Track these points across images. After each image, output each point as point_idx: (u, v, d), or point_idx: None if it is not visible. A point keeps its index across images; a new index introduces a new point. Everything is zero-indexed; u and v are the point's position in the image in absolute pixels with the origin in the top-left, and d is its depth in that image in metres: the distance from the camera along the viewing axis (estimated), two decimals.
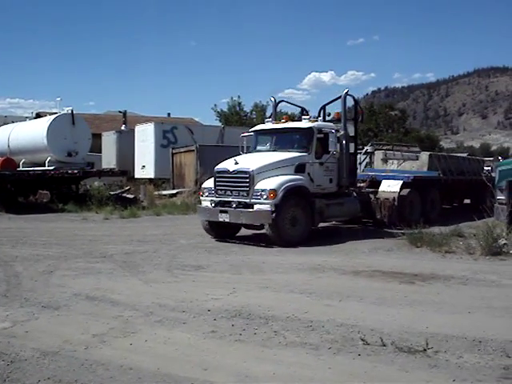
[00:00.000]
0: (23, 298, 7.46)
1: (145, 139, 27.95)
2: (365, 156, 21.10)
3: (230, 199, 13.14)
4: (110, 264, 10.09)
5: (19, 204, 22.11)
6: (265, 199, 12.53)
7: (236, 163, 13.34)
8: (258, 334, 5.88)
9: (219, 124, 49.05)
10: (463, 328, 6.01)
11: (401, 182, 16.80)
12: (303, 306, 7.02)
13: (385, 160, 20.33)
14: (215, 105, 58.88)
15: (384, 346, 5.41)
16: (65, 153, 24.00)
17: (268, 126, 15.64)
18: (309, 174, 13.62)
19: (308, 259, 10.60)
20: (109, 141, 31.12)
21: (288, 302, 7.26)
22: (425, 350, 5.27)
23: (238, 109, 58.56)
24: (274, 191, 12.52)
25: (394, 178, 17.25)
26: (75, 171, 23.18)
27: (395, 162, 20.20)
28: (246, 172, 12.99)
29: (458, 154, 29.28)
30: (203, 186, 14.53)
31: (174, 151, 26.31)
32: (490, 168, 32.51)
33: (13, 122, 32.12)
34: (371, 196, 16.38)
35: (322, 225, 14.64)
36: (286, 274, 9.29)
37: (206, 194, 13.90)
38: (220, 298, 7.38)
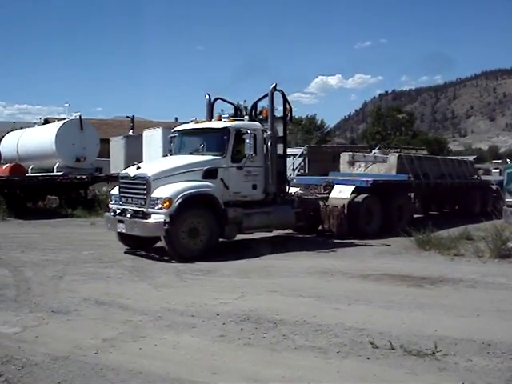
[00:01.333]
0: (33, 303, 7.50)
1: (152, 144, 27.94)
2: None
3: (129, 207, 11.85)
4: (118, 269, 10.13)
5: (28, 210, 22.20)
6: (159, 208, 11.21)
7: (138, 168, 12.12)
8: (266, 337, 5.89)
9: None
10: (472, 331, 6.00)
11: (352, 187, 15.11)
12: (312, 309, 7.03)
13: (351, 163, 18.82)
14: (222, 110, 58.65)
15: (393, 349, 5.42)
16: (73, 158, 24.05)
17: (188, 126, 14.05)
18: (222, 179, 12.16)
19: (316, 263, 10.60)
20: (117, 146, 31.15)
21: (297, 305, 7.28)
22: (434, 353, 5.27)
23: (245, 113, 58.61)
24: (168, 200, 11.17)
25: (349, 182, 15.64)
26: (84, 176, 23.24)
27: (362, 164, 18.69)
28: (143, 178, 11.69)
29: (454, 157, 28.14)
30: (111, 192, 13.17)
31: None
32: (498, 170, 32.24)
33: (21, 128, 32.27)
34: (321, 203, 14.79)
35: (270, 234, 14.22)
36: (294, 277, 9.30)
37: (113, 201, 12.58)
38: (229, 302, 7.40)
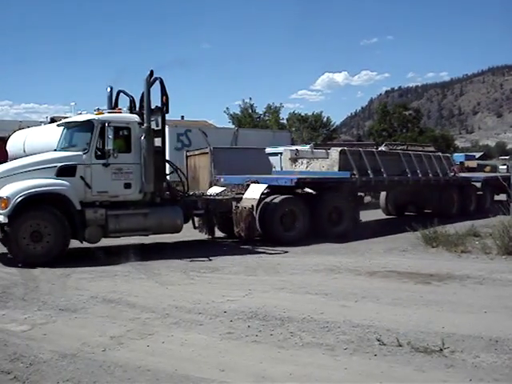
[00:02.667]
0: (41, 301, 7.54)
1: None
2: None
3: None
4: (126, 266, 10.16)
5: None
6: None
7: None
8: (274, 335, 5.90)
9: (232, 127, 49.03)
10: (479, 328, 5.99)
11: (264, 185, 13.64)
12: (319, 306, 7.03)
13: (293, 160, 17.23)
14: (227, 108, 58.82)
15: (400, 346, 5.41)
16: None
17: (65, 120, 13.05)
18: (82, 177, 11.11)
19: (323, 260, 10.60)
20: None
21: (304, 302, 7.28)
22: (441, 349, 5.27)
23: (250, 111, 58.58)
24: (5, 200, 10.29)
25: (270, 181, 14.34)
26: None
27: (305, 161, 16.93)
28: None
29: (425, 151, 24.68)
30: None
31: (188, 154, 26.29)
32: (506, 166, 31.89)
33: (28, 127, 32.37)
34: (234, 204, 13.23)
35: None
36: (301, 275, 9.31)
37: None
38: (236, 300, 7.42)
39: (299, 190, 14.61)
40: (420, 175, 17.90)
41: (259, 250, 12.08)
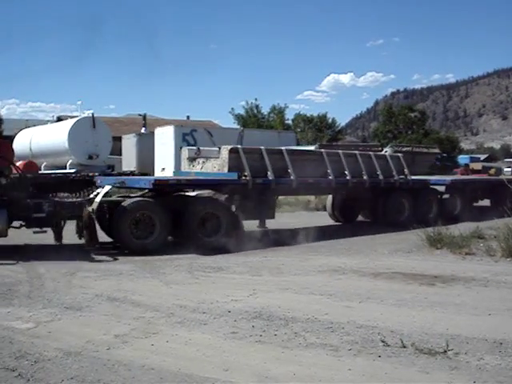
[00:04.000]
0: (46, 299, 7.55)
1: (164, 142, 28.03)
2: None
3: None
4: (130, 265, 10.18)
5: None
6: None
7: None
8: (278, 335, 5.91)
9: (237, 126, 49.12)
10: (484, 330, 5.98)
11: (107, 187, 12.69)
12: (323, 307, 7.03)
13: (191, 159, 15.53)
14: (232, 108, 59.06)
15: (404, 347, 5.41)
16: (86, 156, 24.22)
17: None
18: None
19: (327, 261, 10.60)
20: (129, 143, 31.29)
21: (308, 303, 7.29)
22: (445, 351, 5.26)
23: (255, 111, 58.67)
24: None
25: (136, 183, 13.33)
26: (96, 174, 23.38)
27: (201, 161, 15.18)
28: None
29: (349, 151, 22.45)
30: None
31: None
32: (510, 169, 31.64)
33: (34, 126, 32.50)
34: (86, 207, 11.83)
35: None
36: (305, 275, 9.31)
37: None
38: (240, 300, 7.42)
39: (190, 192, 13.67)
40: (348, 177, 15.61)
41: (263, 251, 12.07)
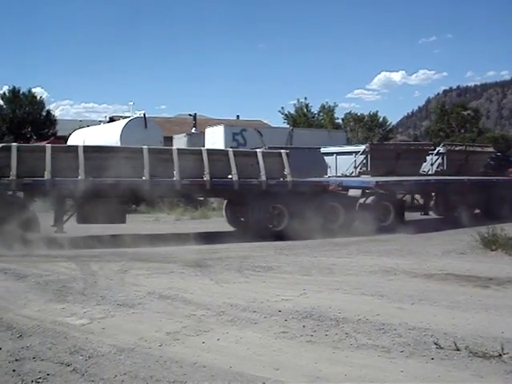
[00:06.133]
0: (99, 295, 7.70)
1: (215, 141, 28.29)
2: (437, 157, 20.56)
3: None
4: (181, 264, 10.28)
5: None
6: None
7: None
8: (329, 335, 5.87)
9: (287, 126, 49.09)
10: None
11: None
12: (374, 308, 6.96)
13: None
14: (282, 107, 58.91)
15: (458, 350, 5.30)
16: None
17: None
18: None
19: (379, 261, 10.49)
20: (179, 143, 31.64)
21: (359, 304, 7.22)
22: (500, 355, 5.13)
23: (305, 110, 58.47)
24: None
25: None
26: None
27: None
28: None
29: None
30: None
31: None
32: None
33: (88, 126, 33.19)
34: None
35: None
36: (356, 276, 9.24)
37: None
38: (290, 299, 7.41)
39: None
40: (176, 178, 13.63)
41: (314, 251, 12.03)
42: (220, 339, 5.73)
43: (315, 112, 59.15)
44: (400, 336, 5.81)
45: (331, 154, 20.10)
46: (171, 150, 14.61)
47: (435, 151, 20.55)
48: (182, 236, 13.88)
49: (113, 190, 13.09)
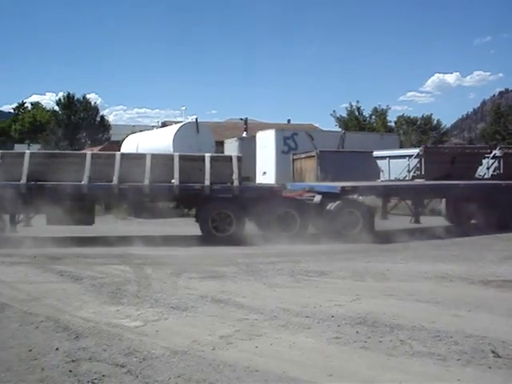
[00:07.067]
0: (153, 298, 7.79)
1: (266, 146, 28.29)
2: (493, 161, 20.04)
3: None
4: (233, 268, 10.32)
5: (147, 209, 22.97)
6: None
7: None
8: (383, 342, 5.80)
9: (338, 130, 48.79)
10: None
11: None
12: (430, 315, 6.83)
13: None
14: (334, 111, 58.66)
15: None
16: None
17: None
18: None
19: (433, 267, 10.29)
20: (231, 148, 31.82)
21: (414, 310, 7.10)
22: None
23: (357, 114, 58.04)
24: None
25: None
26: None
27: None
28: None
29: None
30: None
31: (294, 157, 26.44)
32: None
33: (141, 131, 33.75)
34: None
35: None
36: (411, 282, 9.08)
37: None
38: (343, 305, 7.34)
39: None
40: (114, 182, 13.82)
41: (367, 256, 11.90)
42: (273, 344, 5.73)
43: (367, 115, 58.70)
44: (456, 344, 5.69)
45: (384, 157, 19.84)
46: (114, 154, 14.72)
47: (491, 154, 20.02)
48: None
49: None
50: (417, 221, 17.28)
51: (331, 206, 14.53)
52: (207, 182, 14.09)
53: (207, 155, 14.86)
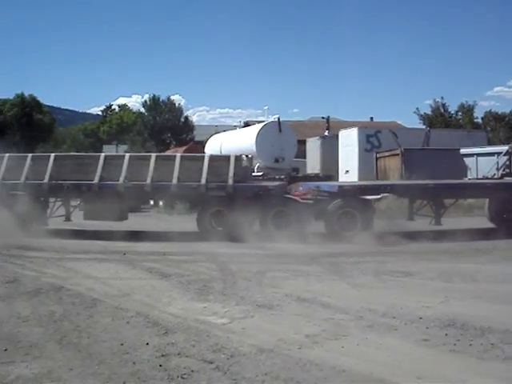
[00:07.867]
0: (239, 296, 7.89)
1: (348, 144, 28.09)
2: (507, 157, 18.97)
3: None
4: (317, 267, 10.30)
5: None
6: None
7: None
8: (473, 345, 5.64)
9: (422, 127, 47.73)
10: None
11: None
12: None
13: None
14: (417, 108, 57.35)
15: None
16: (272, 159, 25.04)
17: None
18: None
19: None
20: (313, 146, 31.79)
21: (505, 313, 6.86)
22: None
23: (442, 110, 56.59)
24: None
25: None
26: (282, 176, 24.05)
27: None
28: None
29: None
30: None
31: (377, 155, 26.11)
32: None
33: (224, 131, 34.26)
34: None
35: None
36: (502, 284, 8.77)
37: None
38: (431, 306, 7.19)
39: None
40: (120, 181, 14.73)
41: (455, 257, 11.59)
42: (359, 344, 5.69)
43: (452, 112, 57.14)
44: None
45: (471, 155, 19.31)
46: (124, 155, 15.85)
47: (504, 151, 19.03)
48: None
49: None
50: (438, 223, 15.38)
51: (329, 205, 14.43)
52: (203, 181, 14.59)
53: (207, 155, 16.20)
